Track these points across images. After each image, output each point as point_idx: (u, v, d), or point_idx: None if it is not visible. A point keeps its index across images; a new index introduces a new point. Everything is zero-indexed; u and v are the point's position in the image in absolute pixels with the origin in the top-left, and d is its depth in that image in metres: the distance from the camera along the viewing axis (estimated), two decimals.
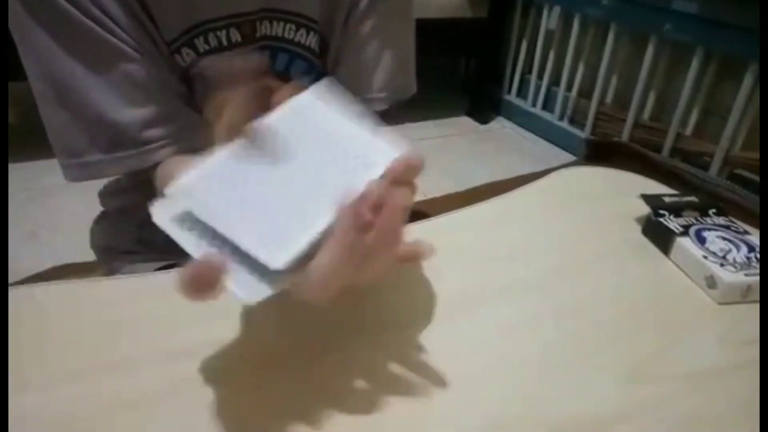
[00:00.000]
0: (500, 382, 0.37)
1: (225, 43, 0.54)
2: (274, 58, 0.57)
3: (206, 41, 0.53)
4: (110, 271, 0.65)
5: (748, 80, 1.75)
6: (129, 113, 0.47)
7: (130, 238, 0.64)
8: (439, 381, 0.37)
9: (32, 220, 1.71)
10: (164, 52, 0.51)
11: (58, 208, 1.72)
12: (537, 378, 0.38)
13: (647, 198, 0.56)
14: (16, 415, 0.31)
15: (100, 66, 0.46)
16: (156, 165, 0.47)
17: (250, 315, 0.41)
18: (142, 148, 0.48)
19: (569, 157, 2.32)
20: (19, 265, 1.47)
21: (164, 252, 0.62)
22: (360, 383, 0.36)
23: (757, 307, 0.46)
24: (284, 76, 0.58)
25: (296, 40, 0.57)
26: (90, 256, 0.72)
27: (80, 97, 0.46)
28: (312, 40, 0.57)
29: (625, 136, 2.15)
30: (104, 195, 0.68)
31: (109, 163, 0.48)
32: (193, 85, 0.54)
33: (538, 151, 2.38)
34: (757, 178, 1.75)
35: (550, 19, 2.40)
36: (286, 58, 0.57)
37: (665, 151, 2.00)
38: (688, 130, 2.00)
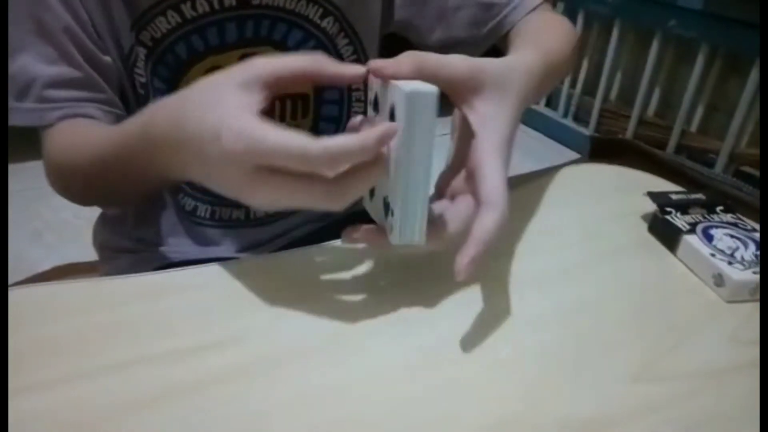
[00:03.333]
0: (505, 380, 0.37)
1: (217, 7, 0.54)
2: (273, 27, 0.57)
3: (194, 7, 0.53)
4: (109, 271, 0.65)
5: (754, 76, 1.74)
6: (40, 69, 0.51)
7: (128, 237, 0.64)
8: (442, 379, 0.36)
9: (37, 220, 1.72)
10: (123, 29, 0.53)
11: (62, 207, 1.72)
12: (542, 376, 0.37)
13: (654, 195, 0.55)
14: (15, 417, 0.31)
15: (40, 27, 0.50)
16: (51, 125, 0.52)
17: (247, 317, 0.40)
18: (40, 104, 0.52)
19: (573, 155, 2.31)
20: (23, 264, 1.47)
21: (160, 249, 0.62)
22: (363, 380, 0.36)
23: None
24: (281, 46, 0.59)
25: (296, 10, 0.57)
26: (94, 255, 0.72)
27: (13, 44, 0.51)
28: (312, 11, 0.58)
29: (629, 133, 2.14)
30: None
31: (17, 112, 0.52)
32: (165, 55, 0.54)
33: (542, 148, 2.38)
34: None
35: None
36: (284, 28, 0.58)
37: (670, 148, 2.00)
38: (693, 127, 1.99)
